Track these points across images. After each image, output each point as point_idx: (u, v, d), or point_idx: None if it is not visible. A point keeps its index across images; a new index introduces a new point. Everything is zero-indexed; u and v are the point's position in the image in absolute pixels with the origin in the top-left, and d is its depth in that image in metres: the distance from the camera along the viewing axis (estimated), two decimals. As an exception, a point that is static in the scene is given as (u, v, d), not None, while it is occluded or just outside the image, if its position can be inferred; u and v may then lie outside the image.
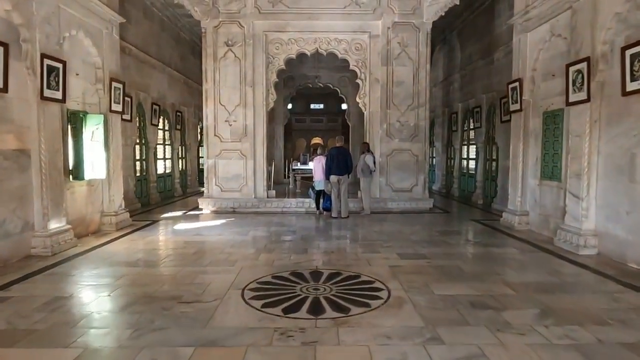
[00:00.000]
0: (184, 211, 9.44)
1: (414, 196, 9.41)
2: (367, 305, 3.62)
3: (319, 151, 9.28)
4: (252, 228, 7.33)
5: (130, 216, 8.07)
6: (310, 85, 14.33)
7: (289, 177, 12.90)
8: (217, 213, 9.05)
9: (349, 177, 8.58)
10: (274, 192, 9.74)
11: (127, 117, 9.07)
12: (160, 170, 11.47)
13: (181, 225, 7.72)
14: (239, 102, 9.21)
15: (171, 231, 7.24)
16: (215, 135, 9.26)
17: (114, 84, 7.17)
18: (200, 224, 7.89)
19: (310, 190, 9.11)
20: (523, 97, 7.15)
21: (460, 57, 12.13)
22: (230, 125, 9.24)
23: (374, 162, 8.76)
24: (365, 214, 8.82)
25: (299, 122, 27.80)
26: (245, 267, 4.84)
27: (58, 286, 4.18)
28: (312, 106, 28.14)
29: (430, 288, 4.07)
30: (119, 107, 7.37)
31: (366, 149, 8.92)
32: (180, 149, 12.85)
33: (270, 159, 11.30)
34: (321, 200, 8.91)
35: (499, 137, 9.63)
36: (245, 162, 9.27)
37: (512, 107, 7.45)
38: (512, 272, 4.68)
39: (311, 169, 9.74)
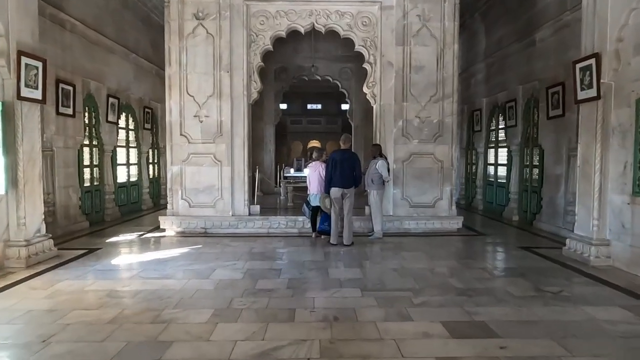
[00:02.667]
0: (142, 233, 7.31)
1: (437, 213, 7.32)
2: None
3: (314, 155, 7.11)
4: (220, 263, 5.22)
5: (72, 239, 6.20)
6: (306, 78, 12.24)
7: (280, 186, 10.75)
8: (184, 235, 6.96)
9: (355, 189, 6.47)
10: (258, 207, 7.61)
11: (67, 110, 7.14)
12: (122, 179, 9.36)
13: (123, 258, 5.59)
14: (212, 91, 7.11)
15: (102, 269, 5.06)
16: (181, 134, 7.16)
17: (27, 61, 5.07)
18: (151, 255, 5.76)
19: (305, 205, 6.97)
20: (601, 80, 5.09)
21: (486, 42, 10.06)
22: (201, 121, 7.13)
23: (388, 170, 6.67)
24: (375, 237, 6.70)
25: (294, 124, 25.86)
26: (180, 361, 2.73)
27: None
28: (309, 106, 26.14)
29: None
30: (35, 94, 5.26)
31: (377, 152, 6.84)
32: (150, 152, 10.73)
33: (255, 165, 9.21)
34: (318, 219, 6.80)
35: (544, 138, 7.56)
36: (220, 169, 7.16)
37: (582, 95, 5.38)
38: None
39: (306, 177, 7.62)
